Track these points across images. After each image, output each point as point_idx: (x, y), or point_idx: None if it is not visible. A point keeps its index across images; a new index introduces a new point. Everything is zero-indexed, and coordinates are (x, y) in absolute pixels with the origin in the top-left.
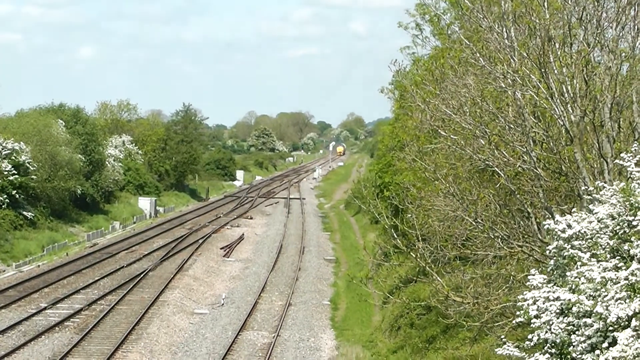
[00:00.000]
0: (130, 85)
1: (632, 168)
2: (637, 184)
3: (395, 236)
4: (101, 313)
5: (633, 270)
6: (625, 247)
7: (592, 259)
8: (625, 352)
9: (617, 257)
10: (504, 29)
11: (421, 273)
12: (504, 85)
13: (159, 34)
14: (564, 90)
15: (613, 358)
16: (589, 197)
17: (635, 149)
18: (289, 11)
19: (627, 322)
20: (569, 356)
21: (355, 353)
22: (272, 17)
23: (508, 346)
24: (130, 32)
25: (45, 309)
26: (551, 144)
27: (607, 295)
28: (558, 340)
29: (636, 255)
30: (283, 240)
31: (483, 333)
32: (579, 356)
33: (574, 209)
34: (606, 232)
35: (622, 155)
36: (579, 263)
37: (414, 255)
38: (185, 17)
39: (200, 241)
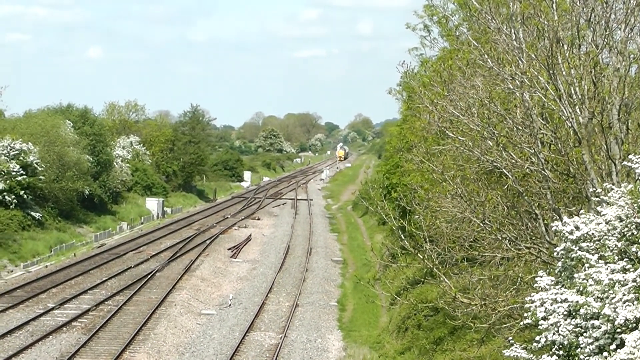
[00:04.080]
0: (138, 86)
1: None
2: None
3: (403, 237)
4: (109, 313)
5: None
6: (634, 249)
7: (600, 261)
8: (633, 354)
9: (625, 259)
10: (512, 31)
11: (429, 274)
12: (512, 87)
13: (165, 35)
14: (572, 91)
15: None
16: (597, 198)
17: None
18: (295, 12)
19: (634, 324)
20: (576, 358)
21: (363, 354)
22: (278, 18)
23: (516, 348)
24: (137, 33)
25: (52, 309)
26: (559, 145)
27: (614, 297)
28: (566, 342)
29: None
30: (290, 241)
31: (491, 335)
32: (587, 358)
33: (581, 211)
34: (614, 234)
35: (630, 157)
36: (586, 265)
37: (421, 257)
38: (191, 18)
39: (208, 242)
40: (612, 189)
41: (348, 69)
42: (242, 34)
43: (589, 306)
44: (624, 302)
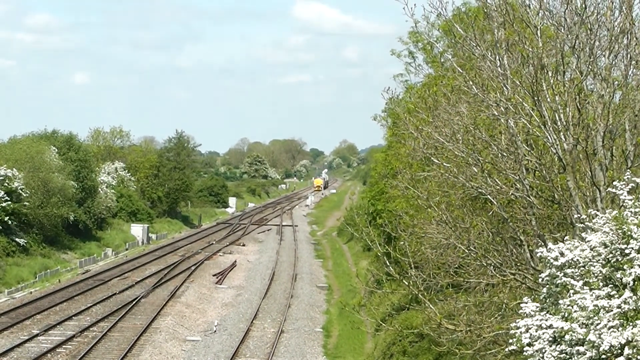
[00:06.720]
0: (124, 112)
1: (625, 196)
2: (630, 212)
3: (388, 264)
4: (93, 340)
5: (625, 299)
6: (618, 275)
7: (585, 287)
8: None
9: (610, 285)
10: (497, 57)
11: (414, 301)
12: (496, 113)
13: (153, 60)
14: (557, 118)
15: None
16: (582, 225)
17: (627, 177)
18: (282, 38)
19: (619, 351)
20: None
21: None
22: (266, 44)
23: None
24: (126, 59)
25: (37, 335)
26: (544, 171)
27: (599, 324)
28: None
29: (629, 284)
30: (275, 267)
31: None
32: None
33: (566, 237)
34: (599, 260)
35: (614, 183)
36: (571, 291)
37: (406, 283)
38: (179, 44)
39: (193, 268)
40: (596, 215)
41: (334, 95)
42: (230, 60)
43: (574, 332)
44: (609, 329)
